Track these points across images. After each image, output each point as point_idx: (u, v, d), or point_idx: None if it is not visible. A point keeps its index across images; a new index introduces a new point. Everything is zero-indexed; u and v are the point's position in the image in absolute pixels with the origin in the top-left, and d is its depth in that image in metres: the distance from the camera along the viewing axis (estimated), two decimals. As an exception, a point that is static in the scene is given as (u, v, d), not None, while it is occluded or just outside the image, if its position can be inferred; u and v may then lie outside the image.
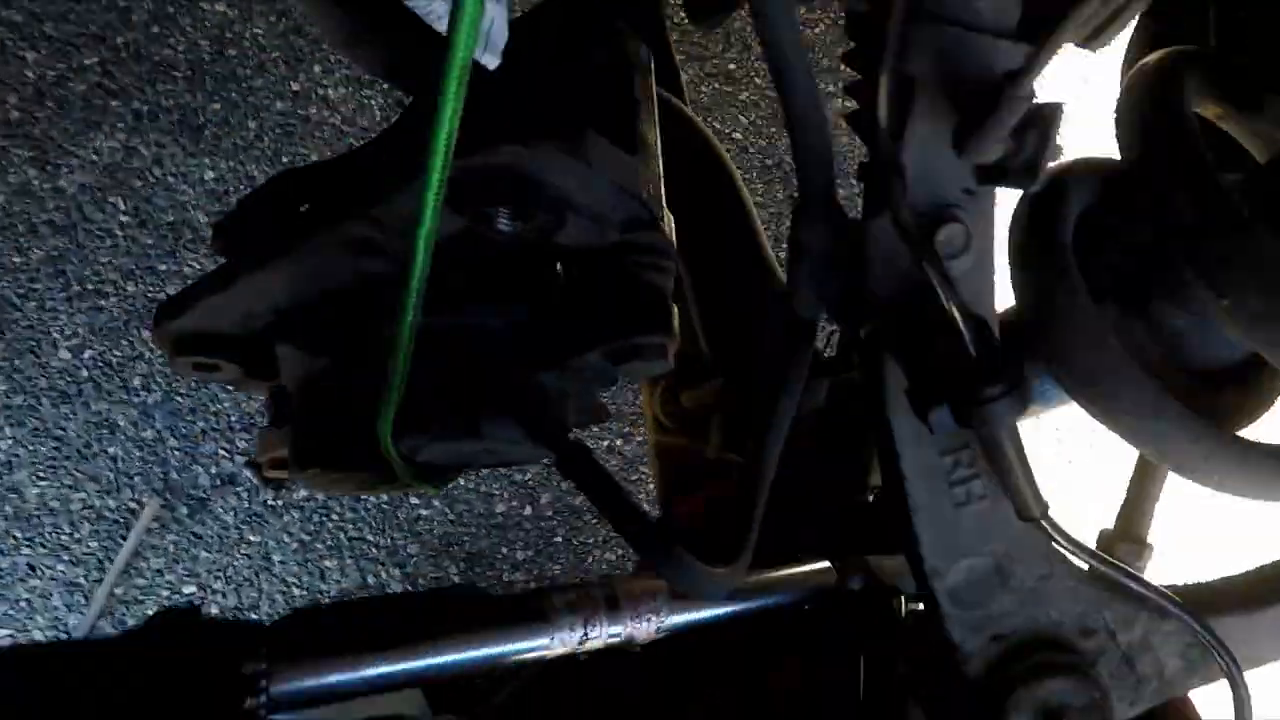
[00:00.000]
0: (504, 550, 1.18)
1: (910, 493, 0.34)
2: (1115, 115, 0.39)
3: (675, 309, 0.39)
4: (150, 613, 1.10)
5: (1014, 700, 0.34)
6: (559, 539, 1.17)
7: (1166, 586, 0.38)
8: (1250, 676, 0.35)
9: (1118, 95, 0.39)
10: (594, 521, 1.17)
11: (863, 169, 0.32)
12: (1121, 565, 0.34)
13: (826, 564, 0.42)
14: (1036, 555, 0.35)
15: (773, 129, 1.34)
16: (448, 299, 0.41)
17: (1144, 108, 0.36)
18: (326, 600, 1.09)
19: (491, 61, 0.35)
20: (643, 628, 0.36)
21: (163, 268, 1.06)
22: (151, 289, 1.06)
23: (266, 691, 0.26)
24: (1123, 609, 0.36)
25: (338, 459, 0.43)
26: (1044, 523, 0.31)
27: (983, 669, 0.35)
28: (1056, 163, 0.33)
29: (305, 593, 1.11)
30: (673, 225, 0.41)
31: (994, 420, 0.27)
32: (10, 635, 1.01)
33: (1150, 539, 0.61)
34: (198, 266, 1.04)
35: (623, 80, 0.41)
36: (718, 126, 1.24)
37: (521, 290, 0.41)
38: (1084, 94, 1.07)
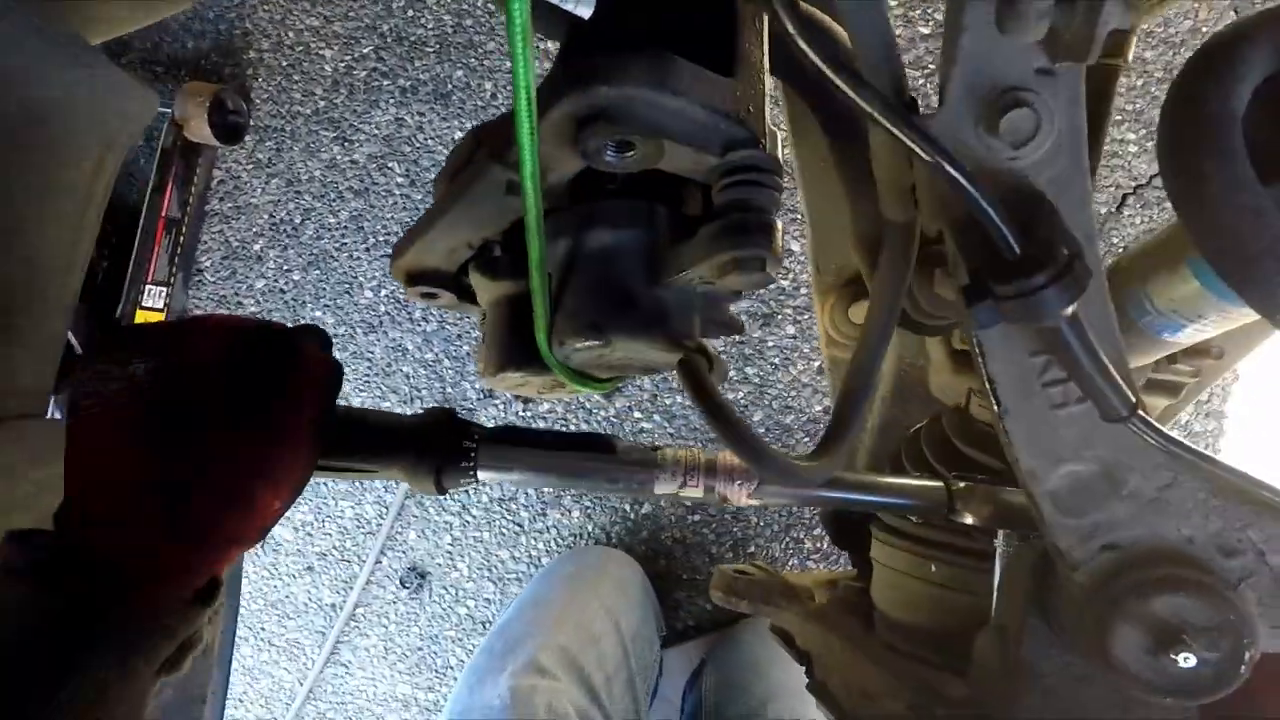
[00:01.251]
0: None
1: (1000, 394, 0.33)
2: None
3: (777, 224, 0.41)
4: (442, 498, 1.35)
5: (1121, 611, 0.32)
6: (772, 453, 1.21)
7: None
8: None
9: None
10: (805, 439, 1.19)
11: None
12: (1255, 478, 0.30)
13: (939, 484, 0.41)
14: (1154, 464, 0.32)
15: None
16: (585, 226, 0.46)
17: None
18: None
19: (585, 10, 0.39)
20: (735, 490, 0.42)
21: (431, 218, 1.27)
22: (426, 237, 1.27)
23: (475, 460, 0.48)
24: (1272, 528, 0.32)
25: (516, 366, 0.52)
26: (1133, 423, 0.28)
27: (1092, 580, 0.34)
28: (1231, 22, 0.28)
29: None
30: (777, 142, 0.42)
31: (1044, 311, 0.26)
32: (351, 506, 1.32)
33: None
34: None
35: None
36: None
37: (641, 214, 0.45)
38: None
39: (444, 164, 0.57)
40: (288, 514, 1.49)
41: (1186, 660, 0.31)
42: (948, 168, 0.25)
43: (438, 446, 0.48)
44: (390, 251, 0.57)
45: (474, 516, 1.31)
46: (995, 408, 0.33)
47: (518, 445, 0.49)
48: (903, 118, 0.26)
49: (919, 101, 0.33)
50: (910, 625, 0.56)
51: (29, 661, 0.28)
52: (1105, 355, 0.28)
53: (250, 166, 1.29)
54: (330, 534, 1.34)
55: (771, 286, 1.20)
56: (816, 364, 1.20)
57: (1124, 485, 0.33)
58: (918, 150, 0.26)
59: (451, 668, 1.35)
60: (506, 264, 0.53)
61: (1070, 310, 0.26)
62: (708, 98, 0.39)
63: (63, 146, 0.51)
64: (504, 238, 0.53)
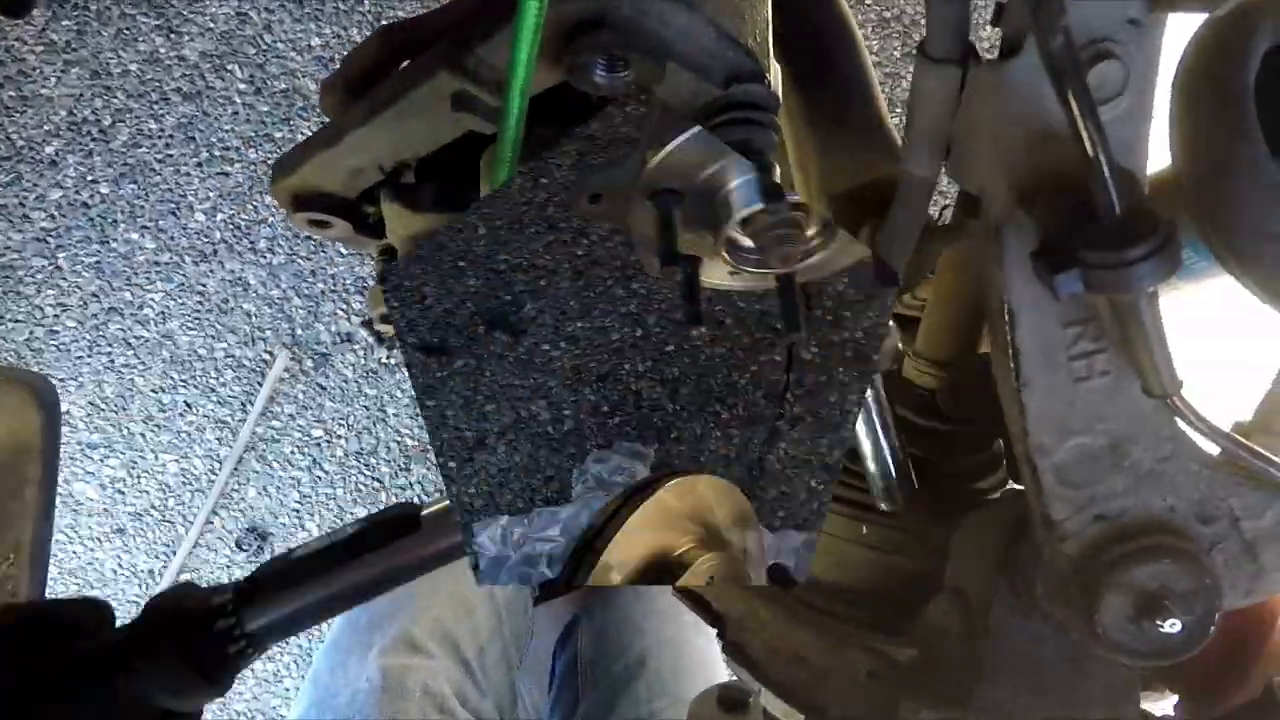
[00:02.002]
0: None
1: (1023, 365, 0.32)
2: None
3: (776, 168, 0.37)
4: (288, 451, 1.20)
5: (1109, 581, 0.33)
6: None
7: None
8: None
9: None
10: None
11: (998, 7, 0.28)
12: (1259, 450, 0.32)
13: None
14: (1159, 436, 0.33)
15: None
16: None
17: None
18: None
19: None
20: None
21: (279, 135, 1.10)
22: (270, 156, 1.11)
23: (243, 634, 0.31)
24: (1252, 497, 0.33)
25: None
26: (1175, 401, 0.28)
27: (1081, 549, 0.34)
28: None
29: (416, 442, 1.20)
30: (779, 78, 0.38)
31: (1134, 285, 0.24)
32: (175, 460, 1.16)
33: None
34: (310, 133, 1.07)
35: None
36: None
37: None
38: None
39: (339, 69, 0.48)
40: (92, 469, 1.27)
41: (1172, 625, 0.32)
42: (1085, 117, 0.23)
43: (184, 653, 0.30)
44: (272, 165, 0.47)
45: (326, 472, 1.19)
46: (1014, 380, 0.32)
47: (290, 594, 0.32)
48: (1069, 56, 0.23)
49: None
50: (839, 586, 0.56)
51: None
52: (1159, 331, 0.27)
53: (40, 49, 1.05)
54: (148, 491, 1.17)
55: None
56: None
57: (1127, 457, 0.33)
58: (1072, 95, 0.23)
59: (295, 639, 1.24)
60: (430, 194, 0.46)
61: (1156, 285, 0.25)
62: (721, 17, 0.34)
63: None
64: (419, 163, 0.46)
